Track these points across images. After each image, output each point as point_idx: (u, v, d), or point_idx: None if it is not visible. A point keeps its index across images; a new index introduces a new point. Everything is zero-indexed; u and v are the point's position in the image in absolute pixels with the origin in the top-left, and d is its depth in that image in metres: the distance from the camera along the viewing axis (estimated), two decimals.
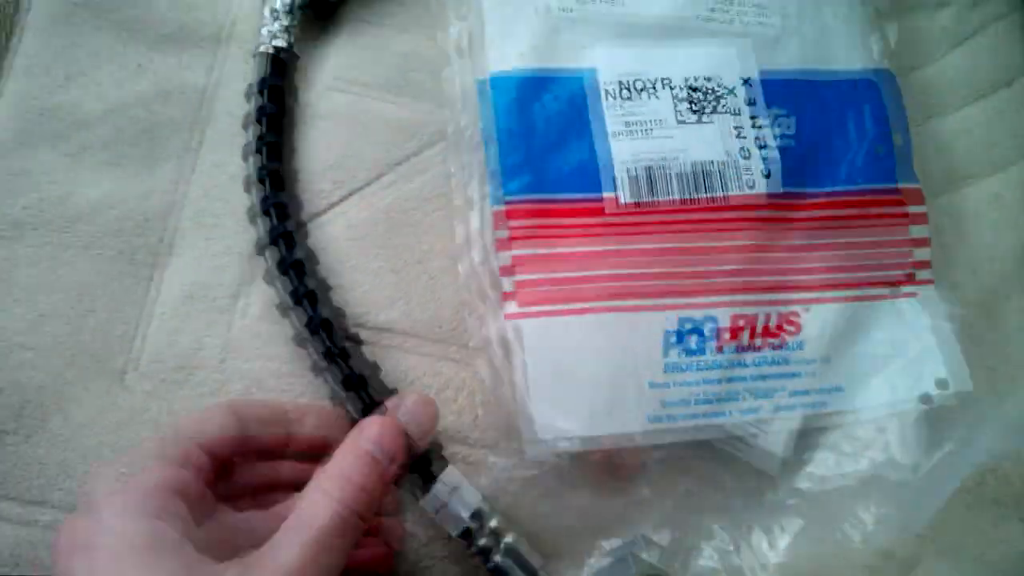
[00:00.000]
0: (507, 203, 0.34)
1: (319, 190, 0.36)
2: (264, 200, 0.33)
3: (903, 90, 0.38)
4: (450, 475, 0.29)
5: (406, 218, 0.36)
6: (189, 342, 0.34)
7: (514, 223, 0.33)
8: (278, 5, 0.36)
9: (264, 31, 0.36)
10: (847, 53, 0.38)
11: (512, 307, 0.33)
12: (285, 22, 0.36)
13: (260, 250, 0.33)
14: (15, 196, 0.35)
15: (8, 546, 0.30)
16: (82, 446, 0.32)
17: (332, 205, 0.36)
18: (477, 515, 0.29)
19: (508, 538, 0.29)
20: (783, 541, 0.32)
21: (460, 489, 0.29)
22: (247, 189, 0.34)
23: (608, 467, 0.31)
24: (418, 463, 0.29)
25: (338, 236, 0.35)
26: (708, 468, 0.33)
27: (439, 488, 0.29)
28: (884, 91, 0.37)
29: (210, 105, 0.37)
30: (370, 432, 0.27)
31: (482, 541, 0.29)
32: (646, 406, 0.32)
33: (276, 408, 0.29)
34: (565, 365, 0.32)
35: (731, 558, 0.32)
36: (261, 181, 0.34)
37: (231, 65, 0.38)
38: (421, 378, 0.34)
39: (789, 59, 0.37)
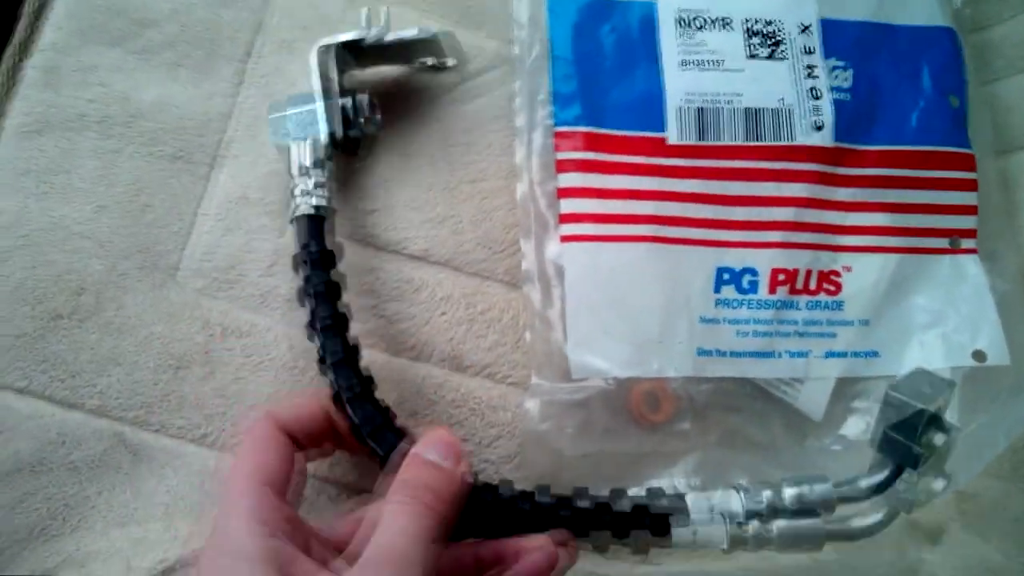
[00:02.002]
0: (556, 133, 0.33)
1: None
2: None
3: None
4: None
5: (463, 138, 0.36)
6: (241, 244, 0.34)
7: (562, 155, 0.33)
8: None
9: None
10: (914, 9, 0.37)
11: (564, 230, 0.32)
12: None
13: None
14: (81, 89, 0.35)
15: (56, 425, 0.31)
16: (133, 335, 0.32)
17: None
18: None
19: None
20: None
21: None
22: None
23: (650, 399, 0.31)
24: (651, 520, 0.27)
25: (394, 151, 0.35)
26: (752, 408, 0.32)
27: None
28: (947, 51, 0.36)
29: (273, 10, 0.37)
30: (426, 440, 0.26)
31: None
32: (696, 339, 0.31)
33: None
34: (612, 294, 0.32)
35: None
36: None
37: None
38: (468, 297, 0.34)
39: (855, 10, 0.36)
